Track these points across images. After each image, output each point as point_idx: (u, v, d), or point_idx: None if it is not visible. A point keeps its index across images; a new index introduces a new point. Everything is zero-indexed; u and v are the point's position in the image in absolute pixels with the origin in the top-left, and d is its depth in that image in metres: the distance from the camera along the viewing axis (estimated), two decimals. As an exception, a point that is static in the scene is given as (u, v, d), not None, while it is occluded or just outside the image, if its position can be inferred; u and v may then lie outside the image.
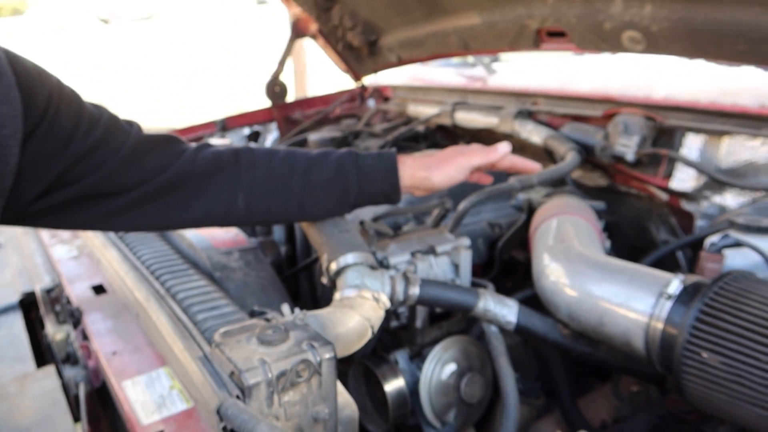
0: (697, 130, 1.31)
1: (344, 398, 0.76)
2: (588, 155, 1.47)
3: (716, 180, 1.28)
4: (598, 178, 1.59)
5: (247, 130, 2.29)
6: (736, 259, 0.91)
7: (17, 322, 1.03)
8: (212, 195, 0.84)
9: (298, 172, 0.89)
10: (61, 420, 0.77)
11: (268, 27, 15.48)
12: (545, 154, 1.55)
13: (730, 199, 1.29)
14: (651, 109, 1.38)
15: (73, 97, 0.75)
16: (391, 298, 0.89)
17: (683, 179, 1.35)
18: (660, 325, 0.78)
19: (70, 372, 0.91)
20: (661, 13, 1.23)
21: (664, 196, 1.42)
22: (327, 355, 0.69)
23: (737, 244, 0.90)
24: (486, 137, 1.84)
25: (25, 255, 1.30)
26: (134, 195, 0.78)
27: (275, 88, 2.25)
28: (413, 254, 1.03)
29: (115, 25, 26.99)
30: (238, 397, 0.65)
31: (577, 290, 0.91)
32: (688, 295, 0.77)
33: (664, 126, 1.36)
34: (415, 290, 0.90)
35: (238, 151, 0.89)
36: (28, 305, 1.10)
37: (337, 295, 0.86)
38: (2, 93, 0.64)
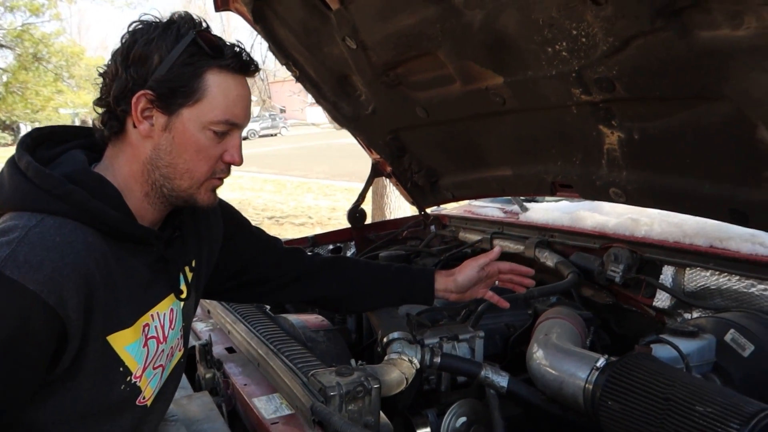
0: (667, 263, 1.74)
1: (384, 420, 1.22)
2: (589, 277, 1.91)
3: (682, 301, 1.69)
4: (605, 297, 2.01)
5: (331, 246, 2.87)
6: (661, 352, 1.32)
7: (177, 368, 1.56)
8: (319, 284, 1.38)
9: (370, 274, 1.42)
10: (217, 417, 1.26)
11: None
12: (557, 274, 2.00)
13: (696, 316, 1.69)
14: (633, 244, 1.83)
15: (246, 223, 1.32)
16: (421, 363, 1.35)
17: (662, 299, 1.77)
18: (590, 387, 1.20)
19: (214, 399, 1.42)
20: (633, 177, 1.71)
21: (652, 312, 1.83)
22: (375, 386, 1.17)
23: (658, 341, 1.31)
24: (516, 260, 2.31)
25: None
26: (276, 283, 1.33)
27: (356, 215, 2.84)
28: (441, 338, 1.50)
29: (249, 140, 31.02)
30: (322, 402, 1.13)
31: (548, 366, 1.34)
32: (608, 367, 1.20)
33: (644, 257, 1.80)
34: (437, 359, 1.36)
35: (336, 258, 1.44)
36: (182, 358, 1.64)
37: (385, 358, 1.34)
38: (216, 223, 1.22)
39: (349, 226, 2.89)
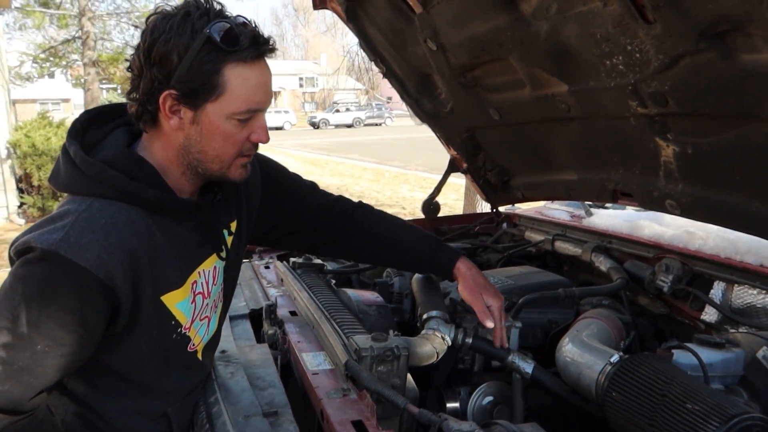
0: (716, 277, 1.76)
1: (411, 384, 1.38)
2: (639, 285, 1.96)
3: (726, 316, 1.71)
4: (659, 306, 2.05)
5: (405, 234, 3.04)
6: (683, 359, 1.38)
7: (247, 324, 1.80)
8: (356, 238, 1.57)
9: (400, 233, 1.61)
10: (271, 364, 1.48)
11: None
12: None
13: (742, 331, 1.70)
14: (686, 257, 1.86)
15: (285, 174, 1.50)
16: (453, 341, 1.50)
17: (710, 313, 1.79)
18: (602, 379, 1.30)
19: (272, 352, 1.64)
20: (688, 191, 1.74)
21: (702, 326, 1.85)
22: (404, 353, 1.33)
23: (679, 347, 1.38)
24: (575, 262, 2.38)
25: (252, 291, 2.11)
26: (322, 234, 1.53)
27: (430, 206, 3.00)
28: (478, 323, 1.63)
29: (321, 129, 31.94)
30: (356, 361, 1.30)
31: (570, 358, 1.44)
32: (620, 363, 1.29)
33: (694, 270, 1.83)
34: (469, 339, 1.50)
35: (368, 222, 1.61)
36: (253, 316, 1.88)
37: (422, 332, 1.50)
38: (254, 181, 1.37)
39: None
